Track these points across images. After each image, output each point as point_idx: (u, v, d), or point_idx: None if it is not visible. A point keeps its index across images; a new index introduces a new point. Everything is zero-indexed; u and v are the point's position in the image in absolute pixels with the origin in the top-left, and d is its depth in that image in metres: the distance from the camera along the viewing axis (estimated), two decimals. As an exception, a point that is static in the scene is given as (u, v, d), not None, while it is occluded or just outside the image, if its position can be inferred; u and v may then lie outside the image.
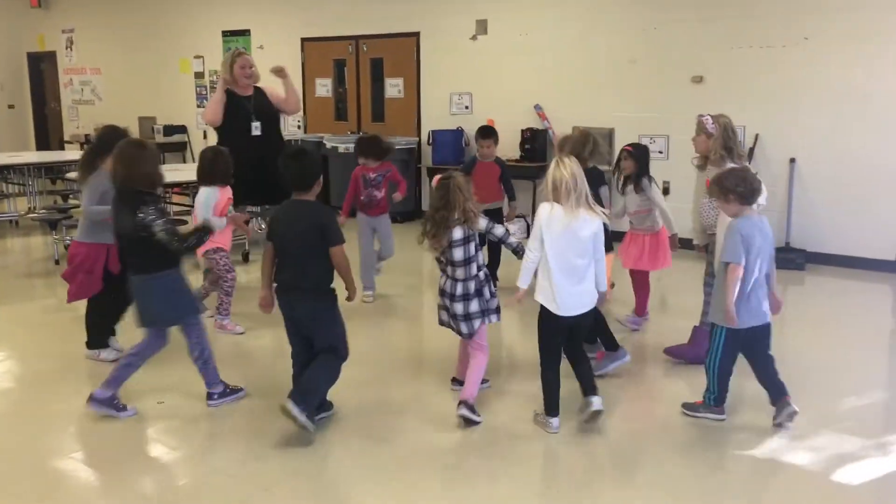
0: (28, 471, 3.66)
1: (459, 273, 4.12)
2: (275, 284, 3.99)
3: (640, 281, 5.75)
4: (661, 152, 8.38)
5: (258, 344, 5.40)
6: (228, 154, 5.38)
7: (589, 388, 4.01)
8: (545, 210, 3.86)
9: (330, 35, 11.01)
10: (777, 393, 4.02)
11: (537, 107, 9.25)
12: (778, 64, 7.68)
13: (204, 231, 4.24)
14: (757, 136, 7.86)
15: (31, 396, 4.56)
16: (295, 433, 3.83)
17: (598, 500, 3.40)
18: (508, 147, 9.00)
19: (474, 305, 4.14)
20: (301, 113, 11.40)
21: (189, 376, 4.38)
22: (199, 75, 12.84)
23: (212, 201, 5.25)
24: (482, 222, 4.12)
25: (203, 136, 12.50)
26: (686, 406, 4.21)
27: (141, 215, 3.88)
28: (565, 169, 3.82)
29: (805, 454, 3.77)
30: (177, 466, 3.72)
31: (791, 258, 7.53)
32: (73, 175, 9.29)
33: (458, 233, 4.06)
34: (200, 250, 5.17)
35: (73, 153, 12.58)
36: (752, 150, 7.85)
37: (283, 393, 3.85)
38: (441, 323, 4.31)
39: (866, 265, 7.38)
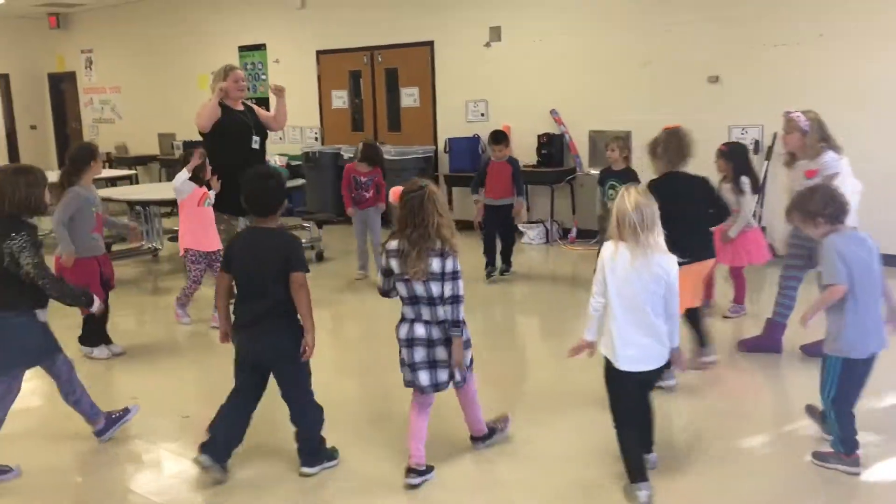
0: (50, 486, 3.68)
1: (438, 312, 3.42)
2: (233, 318, 3.62)
3: (735, 274, 6.01)
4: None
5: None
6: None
7: (644, 444, 3.51)
8: (608, 250, 3.29)
9: (345, 47, 11.08)
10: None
11: (553, 112, 9.24)
12: (794, 61, 7.63)
13: (88, 297, 3.97)
14: (775, 135, 7.80)
15: (54, 412, 4.60)
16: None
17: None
18: (525, 152, 9.01)
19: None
20: (318, 124, 11.49)
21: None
22: (216, 91, 12.93)
23: (186, 187, 5.85)
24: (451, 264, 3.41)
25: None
26: (816, 455, 3.64)
27: (8, 243, 3.57)
28: (629, 200, 3.22)
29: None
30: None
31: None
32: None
33: (436, 264, 3.37)
34: (182, 249, 5.90)
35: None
36: (770, 148, 7.80)
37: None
38: (414, 385, 3.52)
39: (886, 261, 7.26)
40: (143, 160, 13.76)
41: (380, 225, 7.52)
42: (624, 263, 3.23)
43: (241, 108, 6.21)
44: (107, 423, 4.07)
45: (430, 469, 3.58)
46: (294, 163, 11.01)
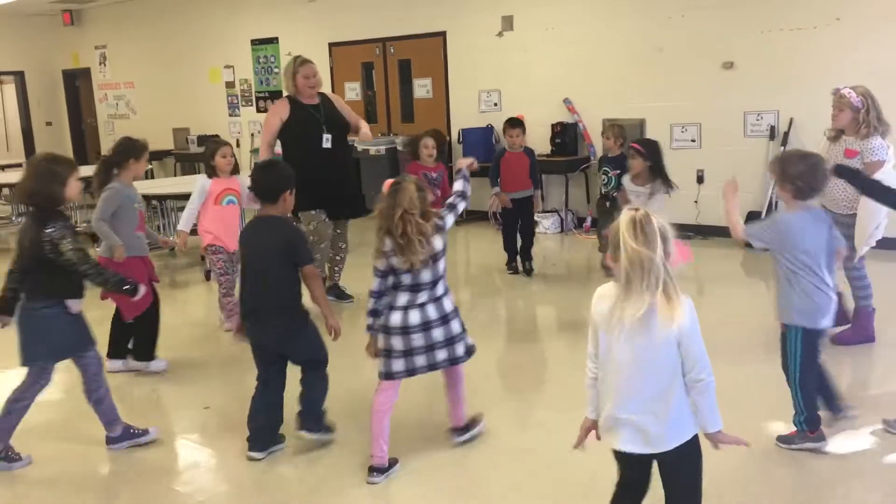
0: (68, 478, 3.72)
1: (435, 291, 3.46)
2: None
3: None
4: (693, 140, 8.30)
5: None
6: (213, 146, 5.62)
7: None
8: (601, 297, 2.47)
9: (357, 39, 11.07)
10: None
11: (566, 100, 9.21)
12: (810, 46, 7.57)
13: (133, 285, 3.90)
14: (791, 120, 7.75)
15: (74, 406, 4.65)
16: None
17: None
18: (539, 142, 8.98)
19: (456, 326, 3.54)
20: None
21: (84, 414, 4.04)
22: (229, 84, 12.99)
23: (195, 191, 5.54)
24: (449, 219, 3.53)
25: (236, 145, 12.63)
26: (780, 439, 3.63)
27: (49, 230, 3.54)
28: (627, 229, 2.33)
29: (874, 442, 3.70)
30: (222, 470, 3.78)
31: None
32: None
33: (438, 242, 3.40)
34: (202, 246, 5.58)
35: (110, 167, 12.84)
36: (786, 134, 7.74)
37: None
38: (408, 373, 3.49)
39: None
40: (158, 155, 13.79)
41: None
42: (616, 316, 2.38)
43: (315, 101, 5.78)
44: (123, 434, 3.95)
45: (393, 463, 3.56)
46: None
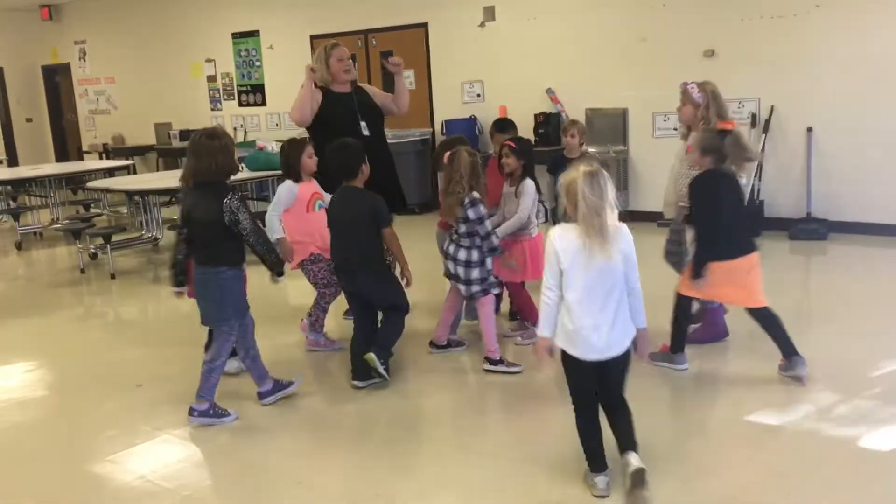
0: (64, 475, 3.73)
1: (465, 241, 4.54)
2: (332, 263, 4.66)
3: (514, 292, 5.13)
4: (675, 129, 8.31)
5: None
6: (300, 144, 4.94)
7: (625, 443, 3.19)
8: (557, 236, 3.09)
9: (338, 31, 11.02)
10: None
11: (549, 90, 9.22)
12: (790, 33, 7.61)
13: (281, 263, 4.23)
14: (772, 108, 7.80)
15: (65, 402, 4.65)
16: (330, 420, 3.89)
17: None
18: (522, 132, 8.88)
19: (475, 273, 4.52)
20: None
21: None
22: (211, 79, 12.91)
23: (282, 197, 4.88)
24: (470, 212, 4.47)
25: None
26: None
27: (228, 202, 3.89)
28: (579, 177, 3.00)
29: (833, 422, 3.76)
30: (201, 461, 3.79)
31: (813, 228, 7.48)
32: (96, 184, 9.45)
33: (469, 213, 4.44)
34: (294, 262, 4.83)
35: (92, 163, 12.77)
36: (768, 121, 7.79)
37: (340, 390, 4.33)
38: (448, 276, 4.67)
39: (889, 231, 7.31)
40: (140, 150, 13.74)
41: None
42: (578, 247, 3.02)
43: (346, 90, 5.39)
44: (274, 387, 4.30)
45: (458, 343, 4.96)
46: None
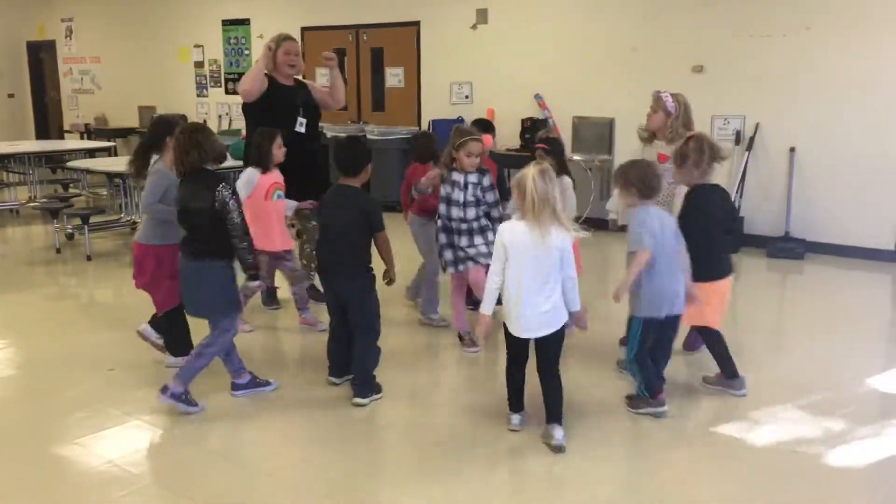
0: (31, 456, 3.68)
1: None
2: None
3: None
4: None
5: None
6: (272, 134, 5.05)
7: (552, 415, 3.72)
8: (506, 228, 3.61)
9: (330, 24, 11.00)
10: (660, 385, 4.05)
11: (538, 96, 9.25)
12: (779, 53, 7.68)
13: (258, 271, 4.16)
14: (757, 126, 7.87)
15: (34, 383, 4.58)
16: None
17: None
18: (509, 136, 9.03)
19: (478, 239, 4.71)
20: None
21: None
22: (198, 64, 12.82)
23: (245, 185, 4.97)
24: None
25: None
26: (629, 403, 4.10)
27: (220, 192, 3.85)
28: (529, 178, 3.48)
29: (805, 440, 3.80)
30: (170, 448, 3.76)
31: (790, 247, 7.56)
32: (76, 164, 9.34)
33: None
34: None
35: (73, 142, 12.64)
36: (752, 139, 7.86)
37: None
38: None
39: (866, 255, 7.40)
40: (122, 132, 13.60)
41: None
42: (523, 239, 3.51)
43: (291, 83, 5.60)
44: (250, 382, 4.29)
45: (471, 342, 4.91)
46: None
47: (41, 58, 15.71)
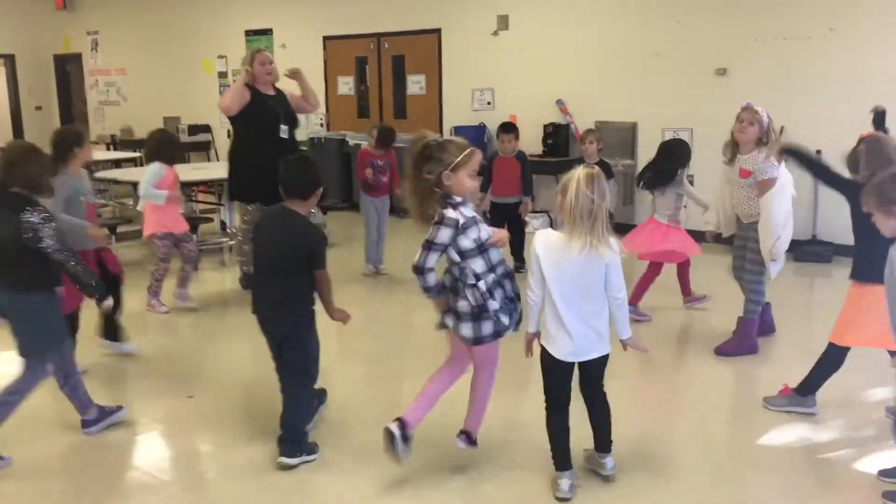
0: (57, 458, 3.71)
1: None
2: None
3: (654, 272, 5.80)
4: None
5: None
6: (174, 136, 6.10)
7: (601, 444, 3.39)
8: (542, 240, 3.15)
9: (352, 33, 11.06)
10: None
11: (559, 102, 9.23)
12: (803, 56, 7.61)
13: (103, 289, 3.84)
14: (782, 129, 7.75)
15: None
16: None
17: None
18: (531, 142, 9.01)
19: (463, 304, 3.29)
20: (323, 110, 11.47)
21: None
22: (222, 75, 12.94)
23: (154, 176, 5.81)
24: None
25: (227, 136, 12.57)
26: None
27: (26, 217, 3.45)
28: (572, 186, 3.03)
29: (833, 443, 3.76)
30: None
31: (818, 251, 7.48)
32: (103, 174, 9.45)
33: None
34: (146, 233, 5.89)
35: (100, 153, 12.75)
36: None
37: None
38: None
39: None
40: (148, 143, 13.74)
41: (388, 214, 7.19)
42: (558, 251, 3.08)
43: (272, 92, 6.18)
44: (99, 415, 3.94)
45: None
46: (300, 149, 10.99)
47: (68, 70, 15.92)
